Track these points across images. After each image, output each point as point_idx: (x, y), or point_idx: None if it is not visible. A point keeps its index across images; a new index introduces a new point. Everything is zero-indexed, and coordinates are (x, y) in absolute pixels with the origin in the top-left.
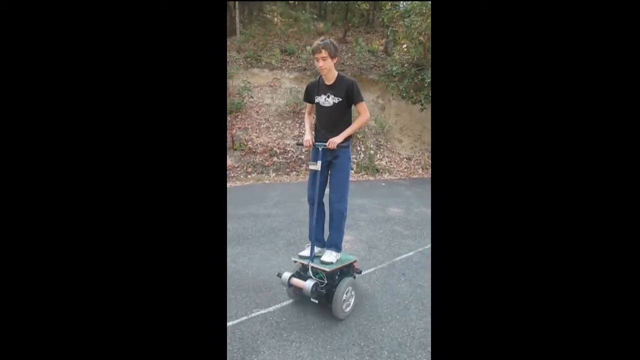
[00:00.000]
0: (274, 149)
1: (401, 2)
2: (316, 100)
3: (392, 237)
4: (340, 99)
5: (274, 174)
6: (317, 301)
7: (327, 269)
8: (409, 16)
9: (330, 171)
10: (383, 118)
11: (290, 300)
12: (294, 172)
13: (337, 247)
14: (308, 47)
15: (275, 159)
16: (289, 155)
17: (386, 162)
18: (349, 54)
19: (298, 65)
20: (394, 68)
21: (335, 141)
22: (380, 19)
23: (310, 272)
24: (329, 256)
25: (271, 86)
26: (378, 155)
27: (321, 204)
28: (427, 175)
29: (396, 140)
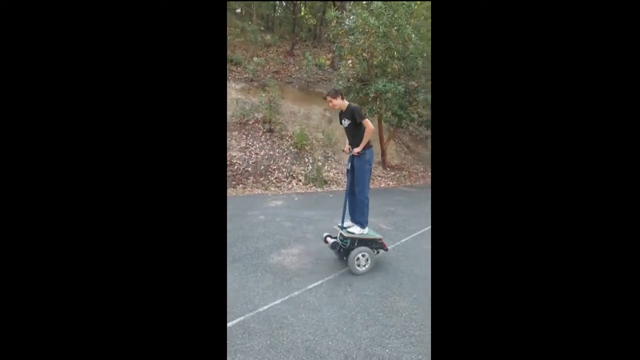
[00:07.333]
0: None
1: (346, 20)
2: (341, 123)
3: None
4: (351, 121)
5: None
6: (333, 249)
7: (347, 235)
8: (353, 34)
9: (354, 171)
10: (330, 130)
11: (234, 321)
12: (241, 185)
13: (361, 224)
14: (255, 58)
15: None
16: (235, 167)
17: (334, 174)
18: (297, 67)
19: (245, 76)
20: (340, 82)
21: (356, 150)
22: (327, 35)
23: (339, 235)
24: (353, 228)
25: None
26: (326, 167)
27: (352, 192)
28: (372, 185)
29: (343, 152)
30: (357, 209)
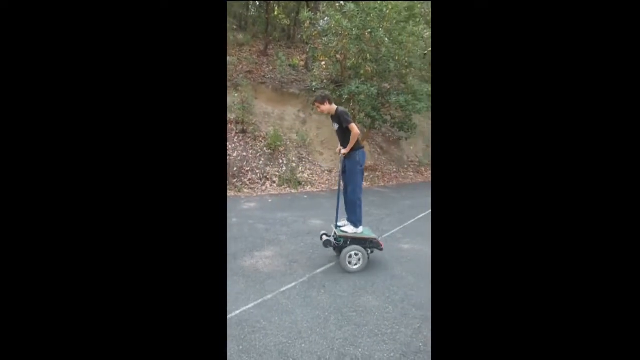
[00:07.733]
0: None
1: (320, 21)
2: (333, 126)
3: (313, 250)
4: (339, 125)
5: None
6: (326, 247)
7: (340, 234)
8: (327, 35)
9: (346, 172)
10: (305, 131)
11: None
12: None
13: (354, 224)
14: (228, 57)
15: None
16: None
17: (308, 175)
18: (270, 67)
19: None
20: (314, 83)
21: (344, 151)
22: (300, 36)
23: (333, 234)
24: (347, 227)
25: None
26: (300, 168)
27: (345, 193)
28: None
29: (317, 153)
30: (348, 208)
